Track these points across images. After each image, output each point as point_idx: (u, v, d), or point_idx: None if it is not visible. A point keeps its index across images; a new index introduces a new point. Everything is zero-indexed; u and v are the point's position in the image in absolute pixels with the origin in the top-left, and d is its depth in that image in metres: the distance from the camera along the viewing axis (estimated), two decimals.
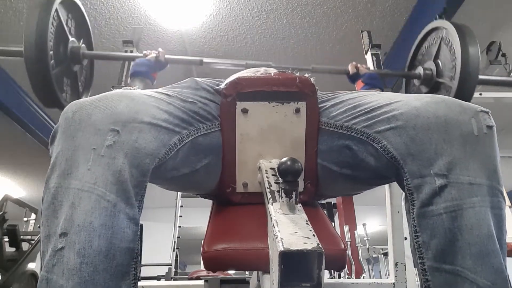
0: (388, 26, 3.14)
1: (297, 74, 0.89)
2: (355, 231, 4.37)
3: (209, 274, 2.14)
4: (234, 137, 0.86)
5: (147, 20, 3.04)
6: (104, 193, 0.60)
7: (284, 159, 0.57)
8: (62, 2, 1.20)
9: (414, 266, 0.72)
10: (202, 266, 2.03)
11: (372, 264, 4.49)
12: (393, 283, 1.56)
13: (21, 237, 3.14)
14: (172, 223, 4.24)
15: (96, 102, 0.67)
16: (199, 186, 0.94)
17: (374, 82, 1.35)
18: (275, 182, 0.69)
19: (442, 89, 1.31)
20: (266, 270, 0.72)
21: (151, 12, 2.97)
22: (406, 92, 1.59)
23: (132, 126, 0.66)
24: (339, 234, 0.86)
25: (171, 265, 3.87)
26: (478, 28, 2.90)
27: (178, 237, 4.10)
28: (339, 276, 3.71)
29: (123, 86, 1.53)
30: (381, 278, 4.50)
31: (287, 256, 0.48)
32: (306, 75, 0.89)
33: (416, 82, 1.48)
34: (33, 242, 3.22)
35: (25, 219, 4.45)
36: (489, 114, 0.69)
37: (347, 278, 3.69)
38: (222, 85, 0.86)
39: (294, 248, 0.48)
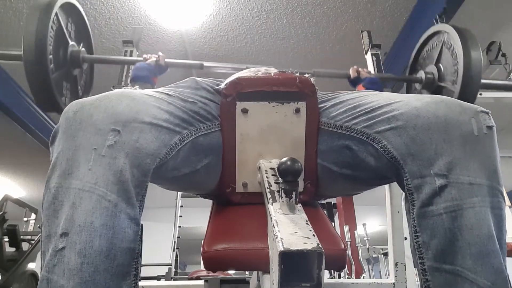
0: (388, 26, 3.14)
1: (297, 74, 0.89)
2: (355, 231, 4.37)
3: (209, 274, 2.14)
4: (234, 137, 0.86)
5: (147, 20, 3.04)
6: (105, 193, 0.60)
7: (284, 159, 0.57)
8: (62, 6, 1.20)
9: (414, 266, 0.72)
10: (202, 266, 2.03)
11: (372, 264, 4.49)
12: (393, 283, 1.56)
13: (21, 237, 3.14)
14: (172, 223, 4.24)
15: (97, 102, 0.67)
16: (199, 186, 0.95)
17: (375, 87, 1.35)
18: (275, 182, 0.69)
19: (444, 93, 1.31)
20: (266, 270, 0.72)
21: (151, 12, 2.97)
22: None
23: (133, 126, 0.66)
24: (339, 234, 0.86)
25: (171, 265, 3.87)
26: (478, 28, 2.90)
27: (178, 237, 4.10)
28: (339, 276, 3.71)
29: (123, 86, 1.53)
30: (381, 278, 4.50)
31: (287, 256, 0.48)
32: (306, 75, 0.89)
33: (417, 86, 1.48)
34: (33, 242, 3.22)
35: (25, 219, 4.45)
36: (489, 114, 0.69)
37: (347, 278, 3.69)
38: (222, 85, 0.87)
39: (294, 248, 0.48)
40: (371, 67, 1.76)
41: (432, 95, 0.75)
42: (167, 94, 0.80)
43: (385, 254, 4.62)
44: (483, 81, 1.25)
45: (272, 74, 0.90)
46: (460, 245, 0.62)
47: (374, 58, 1.77)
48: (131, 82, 1.30)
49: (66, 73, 1.28)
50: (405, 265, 1.57)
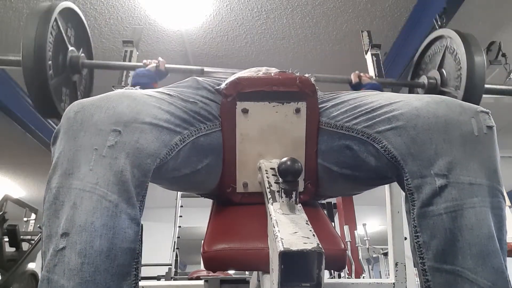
0: (388, 26, 3.14)
1: (297, 74, 0.89)
2: (355, 231, 4.37)
3: (209, 274, 2.14)
4: (234, 137, 0.86)
5: (147, 20, 3.04)
6: (105, 193, 0.60)
7: (284, 159, 0.57)
8: (62, 11, 1.19)
9: (414, 266, 0.72)
10: (202, 266, 2.03)
11: (372, 264, 4.49)
12: (393, 283, 1.56)
13: (21, 237, 3.14)
14: (172, 223, 4.24)
15: (98, 102, 0.68)
16: (200, 186, 0.95)
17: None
18: (275, 182, 0.69)
19: None
20: (266, 270, 0.72)
21: (151, 12, 2.97)
22: None
23: (134, 126, 0.66)
24: (339, 234, 0.86)
25: (171, 265, 3.87)
26: (478, 28, 2.90)
27: (178, 237, 4.10)
28: (339, 276, 3.71)
29: (123, 86, 1.53)
30: (381, 278, 4.50)
31: (287, 256, 0.48)
32: (306, 75, 0.89)
33: (420, 91, 1.48)
34: (33, 242, 3.21)
35: (25, 219, 4.45)
36: (489, 114, 0.69)
37: (347, 278, 3.69)
38: (223, 85, 0.86)
39: (294, 248, 0.48)
40: (371, 67, 1.76)
41: (433, 95, 0.75)
42: (168, 94, 0.80)
43: (385, 254, 4.62)
44: (486, 86, 1.24)
45: (272, 74, 0.90)
46: (461, 245, 0.62)
47: (374, 58, 1.77)
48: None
49: (66, 78, 1.27)
50: (405, 265, 1.57)
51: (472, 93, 1.19)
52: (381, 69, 1.74)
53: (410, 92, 1.60)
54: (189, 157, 0.78)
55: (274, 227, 0.54)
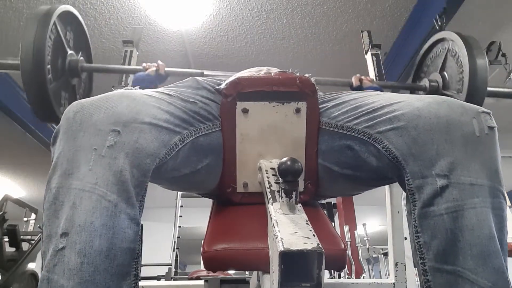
0: (388, 26, 3.14)
1: (297, 74, 0.89)
2: (355, 231, 4.37)
3: (209, 274, 2.14)
4: (235, 137, 0.86)
5: (147, 20, 3.04)
6: (105, 193, 0.60)
7: (284, 159, 0.57)
8: (61, 15, 1.18)
9: (414, 266, 0.72)
10: (202, 266, 2.03)
11: (372, 264, 4.49)
12: (393, 283, 1.56)
13: (21, 237, 3.14)
14: (172, 223, 4.24)
15: (97, 102, 0.67)
16: (199, 186, 0.94)
17: None
18: (275, 182, 0.69)
19: None
20: (266, 270, 0.72)
21: (151, 12, 2.97)
22: None
23: (133, 126, 0.66)
24: (339, 234, 0.86)
25: (171, 265, 3.87)
26: (478, 28, 2.90)
27: (178, 237, 4.10)
28: (339, 276, 3.71)
29: (123, 86, 1.53)
30: (381, 278, 4.50)
31: (287, 256, 0.48)
32: (307, 75, 0.89)
33: (421, 94, 1.48)
34: (33, 242, 3.21)
35: (25, 219, 4.45)
36: (491, 115, 0.69)
37: (347, 278, 3.69)
38: (223, 85, 0.86)
39: (294, 248, 0.48)
40: (371, 67, 1.76)
41: (434, 95, 0.75)
42: (168, 94, 0.80)
43: (385, 254, 4.62)
44: (489, 88, 1.23)
45: (272, 74, 0.90)
46: (461, 245, 0.62)
47: (374, 58, 1.77)
48: None
49: (65, 82, 1.26)
50: (405, 265, 1.57)
51: (475, 96, 1.19)
52: (381, 69, 1.74)
53: (412, 94, 1.59)
54: (189, 157, 0.78)
55: (274, 227, 0.54)
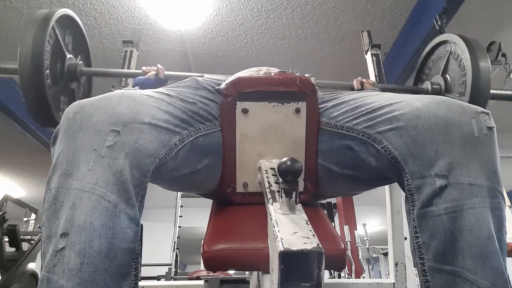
0: (388, 26, 3.14)
1: (297, 74, 0.89)
2: (355, 231, 4.37)
3: (209, 274, 2.14)
4: (234, 137, 0.86)
5: (147, 20, 3.04)
6: (104, 193, 0.60)
7: (284, 159, 0.57)
8: (59, 19, 1.17)
9: (414, 266, 0.72)
10: (202, 266, 2.03)
11: (372, 264, 4.49)
12: (393, 283, 1.56)
13: (21, 237, 3.13)
14: (172, 223, 4.24)
15: (97, 103, 0.68)
16: (199, 186, 0.94)
17: None
18: (275, 182, 0.69)
19: None
20: (266, 270, 0.72)
21: (151, 12, 2.97)
22: None
23: (133, 126, 0.66)
24: (339, 234, 0.86)
25: (171, 265, 3.87)
26: (478, 28, 2.90)
27: (178, 237, 4.10)
28: (339, 276, 3.71)
29: (123, 86, 1.53)
30: (381, 278, 4.50)
31: (287, 256, 0.48)
32: (306, 75, 0.89)
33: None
34: (33, 242, 3.21)
35: (25, 219, 4.45)
36: (490, 115, 0.69)
37: (347, 278, 3.69)
38: (223, 85, 0.86)
39: (294, 248, 0.48)
40: (371, 67, 1.76)
41: (433, 95, 0.75)
42: (167, 94, 0.80)
43: (385, 254, 4.62)
44: (492, 91, 1.22)
45: (272, 74, 0.90)
46: (460, 246, 0.62)
47: (374, 58, 1.77)
48: None
49: (64, 87, 1.25)
50: (405, 265, 1.57)
51: (478, 100, 1.18)
52: (381, 69, 1.74)
53: None
54: (189, 157, 0.78)
55: (274, 227, 0.54)
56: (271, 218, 0.57)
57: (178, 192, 3.86)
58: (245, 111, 0.85)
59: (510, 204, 2.45)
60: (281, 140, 0.87)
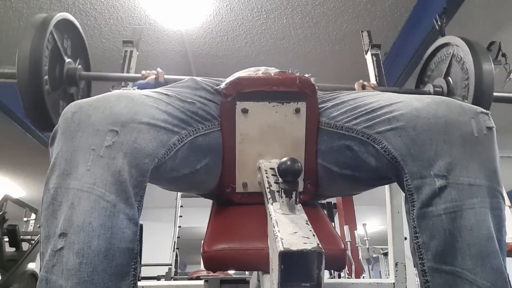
0: (388, 26, 3.14)
1: (297, 74, 0.89)
2: (355, 231, 4.37)
3: (209, 274, 2.14)
4: (234, 137, 0.86)
5: (147, 20, 3.04)
6: (103, 193, 0.60)
7: (284, 159, 0.57)
8: (58, 23, 1.15)
9: (414, 266, 0.72)
10: (202, 266, 2.03)
11: (372, 264, 4.49)
12: (393, 283, 1.56)
13: (21, 237, 3.13)
14: (172, 223, 4.24)
15: (95, 103, 0.67)
16: (199, 186, 0.94)
17: None
18: (275, 182, 0.69)
19: None
20: (266, 270, 0.72)
21: (151, 12, 2.97)
22: None
23: (131, 126, 0.66)
24: (339, 234, 0.86)
25: (171, 265, 3.87)
26: (478, 28, 2.90)
27: (178, 237, 4.10)
28: (339, 276, 3.71)
29: (123, 86, 1.53)
30: (381, 278, 4.50)
31: (287, 256, 0.48)
32: (306, 75, 0.89)
33: None
34: (33, 242, 3.22)
35: (25, 219, 4.45)
36: (489, 115, 0.69)
37: (347, 278, 3.69)
38: (222, 85, 0.86)
39: (294, 248, 0.48)
40: (371, 67, 1.76)
41: (433, 96, 0.75)
42: (166, 94, 0.80)
43: (385, 254, 4.62)
44: (495, 94, 1.21)
45: (272, 74, 0.90)
46: (460, 246, 0.62)
47: (374, 58, 1.77)
48: None
49: (63, 91, 1.24)
50: (405, 265, 1.57)
51: (481, 103, 1.17)
52: (381, 69, 1.74)
53: None
54: (188, 157, 0.78)
55: (274, 227, 0.54)
56: (271, 218, 0.57)
57: (178, 192, 3.86)
58: (245, 111, 0.85)
59: (510, 204, 2.45)
60: (281, 140, 0.87)
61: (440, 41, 1.42)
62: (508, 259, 0.71)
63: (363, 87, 1.40)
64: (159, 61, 3.42)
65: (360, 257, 4.15)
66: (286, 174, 0.57)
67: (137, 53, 1.74)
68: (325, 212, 2.60)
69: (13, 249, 3.04)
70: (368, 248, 4.34)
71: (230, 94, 0.84)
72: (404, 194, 0.71)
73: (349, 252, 3.96)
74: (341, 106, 0.85)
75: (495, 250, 0.61)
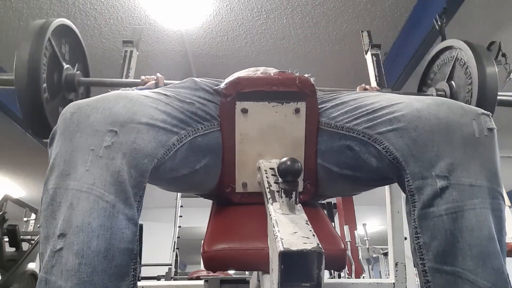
0: (388, 26, 3.14)
1: (297, 74, 0.89)
2: (355, 231, 4.37)
3: (209, 274, 2.14)
4: (234, 137, 0.86)
5: (147, 20, 3.04)
6: (102, 193, 0.60)
7: (284, 159, 0.57)
8: (55, 29, 1.15)
9: (414, 266, 0.72)
10: (202, 266, 2.03)
11: (372, 264, 4.49)
12: (393, 283, 1.56)
13: (21, 237, 3.13)
14: (172, 223, 4.24)
15: (94, 103, 0.67)
16: (198, 186, 0.94)
17: None
18: (274, 182, 0.69)
19: None
20: (266, 270, 0.72)
21: (151, 12, 2.97)
22: None
23: (130, 126, 0.66)
24: (339, 234, 0.86)
25: (171, 265, 3.87)
26: (478, 28, 2.90)
27: (178, 237, 4.10)
28: (339, 276, 3.71)
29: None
30: (381, 278, 4.50)
31: (287, 256, 0.48)
32: (306, 75, 0.88)
33: None
34: (33, 242, 3.22)
35: (25, 219, 4.45)
36: (490, 116, 0.69)
37: (347, 278, 3.69)
38: (222, 85, 0.86)
39: (294, 248, 0.48)
40: (371, 67, 1.76)
41: (434, 96, 0.75)
42: (165, 94, 0.80)
43: (385, 254, 4.62)
44: (499, 97, 1.21)
45: (272, 74, 0.90)
46: (461, 246, 0.62)
47: (374, 58, 1.77)
48: None
49: (61, 98, 1.24)
50: (405, 265, 1.57)
51: (484, 108, 1.17)
52: (381, 69, 1.74)
53: None
54: (187, 157, 0.78)
55: (274, 227, 0.54)
56: (271, 218, 0.57)
57: (178, 192, 3.86)
58: (244, 111, 0.85)
59: (510, 204, 2.45)
60: (281, 140, 0.87)
61: (443, 44, 1.41)
62: (508, 259, 0.71)
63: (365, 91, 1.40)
64: (159, 61, 3.42)
65: (360, 257, 4.15)
66: (286, 174, 0.57)
67: (137, 53, 1.74)
68: (325, 212, 2.60)
69: (13, 249, 3.04)
70: (368, 248, 4.34)
71: (229, 94, 0.84)
72: (405, 195, 0.71)
73: (349, 252, 3.96)
74: (342, 107, 0.85)
75: (496, 250, 0.61)
